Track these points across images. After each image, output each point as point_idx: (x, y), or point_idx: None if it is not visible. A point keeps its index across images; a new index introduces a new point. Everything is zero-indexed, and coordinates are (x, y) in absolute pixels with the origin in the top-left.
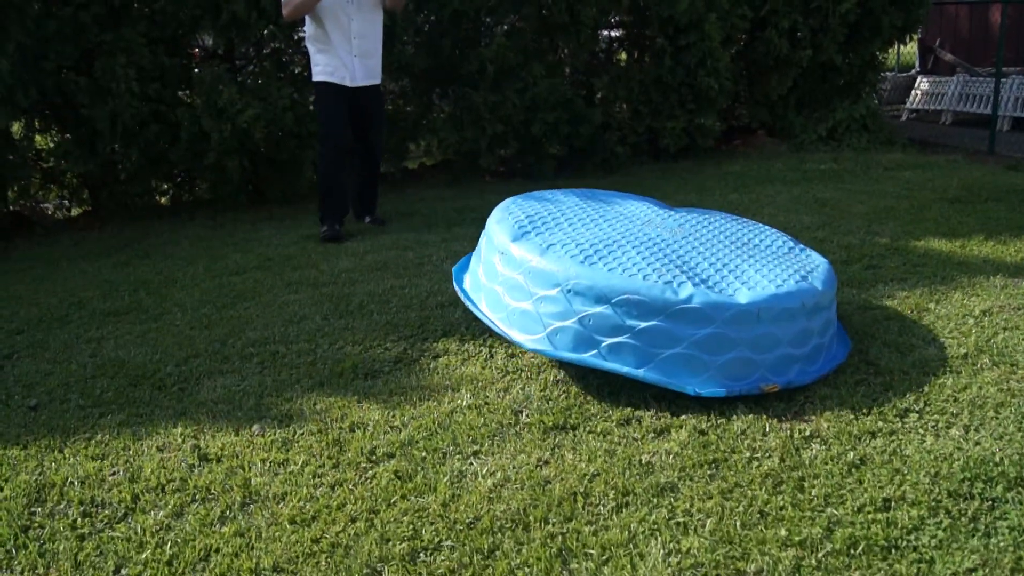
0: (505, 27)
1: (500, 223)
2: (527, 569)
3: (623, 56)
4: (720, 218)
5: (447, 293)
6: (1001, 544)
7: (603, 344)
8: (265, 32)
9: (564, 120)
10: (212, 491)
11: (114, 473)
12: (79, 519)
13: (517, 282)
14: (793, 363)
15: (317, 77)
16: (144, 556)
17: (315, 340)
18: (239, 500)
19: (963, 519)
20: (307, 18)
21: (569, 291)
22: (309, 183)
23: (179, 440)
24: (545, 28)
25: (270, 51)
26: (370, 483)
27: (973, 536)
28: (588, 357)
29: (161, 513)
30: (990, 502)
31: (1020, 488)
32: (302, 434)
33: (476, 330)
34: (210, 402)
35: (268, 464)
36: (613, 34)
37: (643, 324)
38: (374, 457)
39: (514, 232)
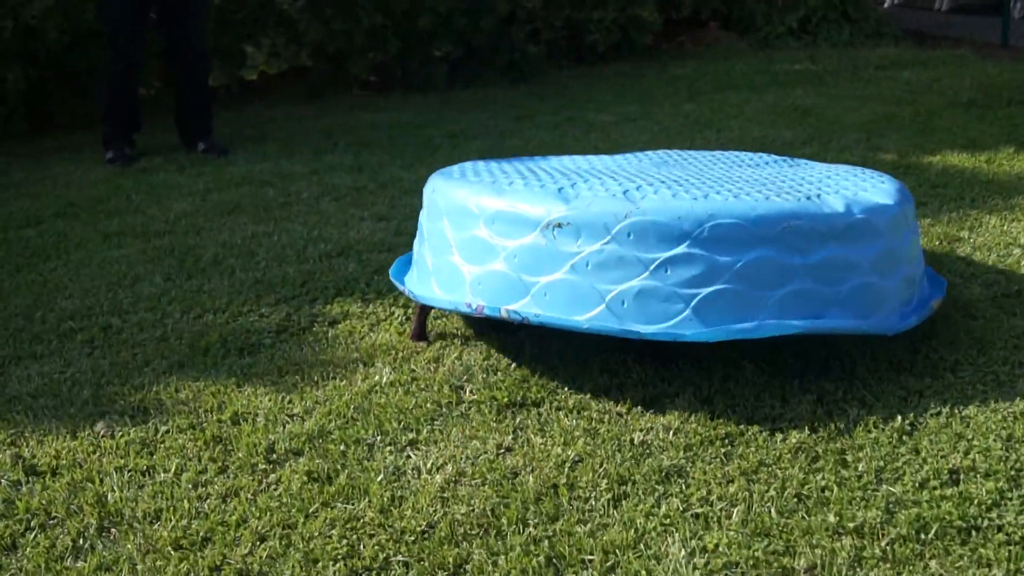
0: None
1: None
2: None
3: None
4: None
5: (333, 240)
6: None
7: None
8: None
9: (459, 10)
10: (53, 515)
11: None
12: None
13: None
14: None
15: None
16: None
17: (160, 308)
18: (95, 524)
19: None
20: None
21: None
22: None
23: None
24: None
25: None
26: (275, 490)
27: None
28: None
29: None
30: None
31: None
32: (167, 432)
33: (382, 285)
34: (26, 396)
35: (127, 474)
36: None
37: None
38: (274, 456)
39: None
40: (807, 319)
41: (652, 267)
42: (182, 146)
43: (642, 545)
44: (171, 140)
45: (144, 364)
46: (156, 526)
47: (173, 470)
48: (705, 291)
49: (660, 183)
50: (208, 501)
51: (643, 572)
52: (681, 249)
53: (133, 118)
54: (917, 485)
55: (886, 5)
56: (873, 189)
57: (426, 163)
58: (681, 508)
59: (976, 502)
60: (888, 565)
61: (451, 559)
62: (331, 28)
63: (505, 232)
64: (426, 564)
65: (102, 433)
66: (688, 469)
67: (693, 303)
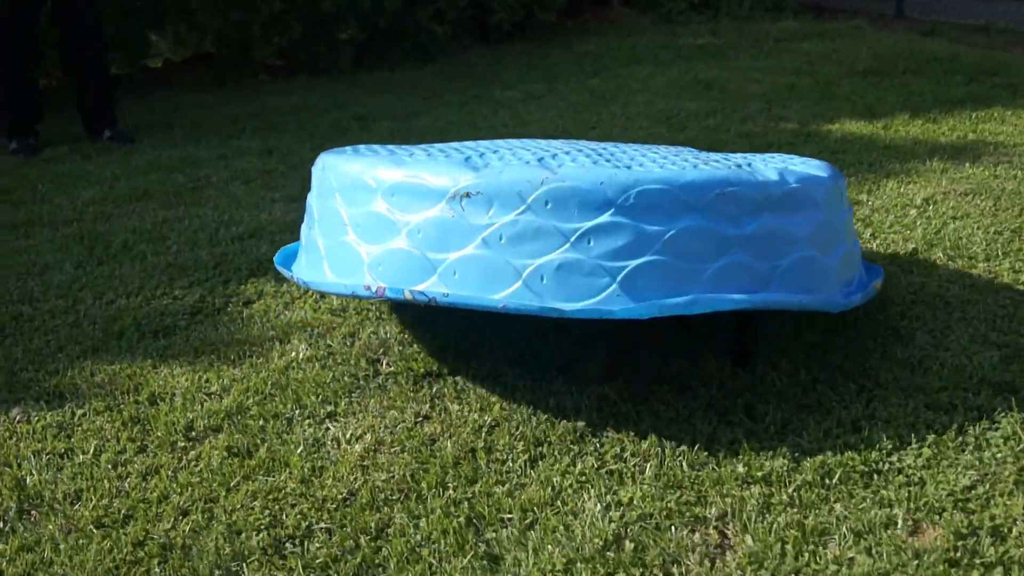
0: None
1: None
2: (432, 546)
3: None
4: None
5: (244, 222)
6: (998, 456)
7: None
8: None
9: None
10: None
11: None
12: None
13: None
14: None
15: None
16: None
17: (72, 295)
18: (14, 507)
19: (948, 433)
20: None
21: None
22: None
23: None
24: None
25: None
26: (196, 466)
27: (964, 451)
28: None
29: None
30: (976, 412)
31: (1007, 394)
32: (84, 415)
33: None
34: None
35: (45, 457)
36: None
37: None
38: (193, 434)
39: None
40: (746, 293)
41: (573, 238)
42: (87, 135)
43: (559, 502)
44: (76, 130)
45: (58, 350)
46: (77, 506)
47: (91, 451)
48: (633, 263)
49: (577, 153)
50: (128, 480)
51: (561, 527)
52: (605, 218)
53: (35, 108)
54: (822, 435)
55: None
56: (804, 164)
57: (335, 145)
58: (596, 465)
59: (877, 447)
60: (795, 510)
61: (373, 524)
62: (231, 16)
63: (406, 206)
64: (348, 530)
65: (18, 419)
66: (602, 429)
67: (620, 277)
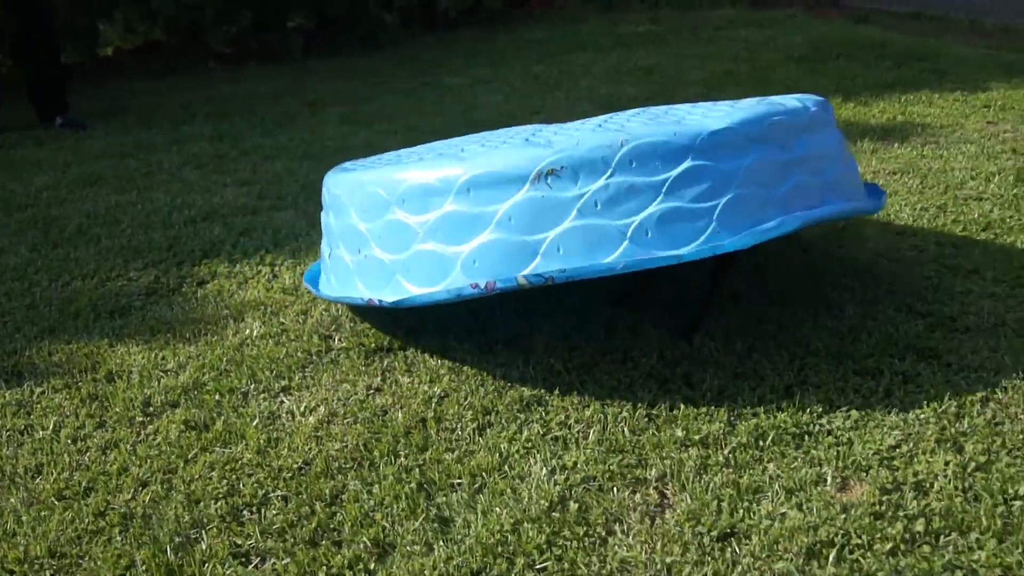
0: None
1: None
2: (384, 510)
3: None
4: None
5: (197, 206)
6: (920, 416)
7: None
8: None
9: None
10: None
11: None
12: None
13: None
14: None
15: None
16: None
17: (27, 277)
18: None
19: (875, 396)
20: None
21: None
22: None
23: None
24: None
25: None
26: (154, 440)
27: (889, 413)
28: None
29: None
30: (901, 376)
31: (931, 359)
32: (43, 392)
33: (248, 246)
34: None
35: (5, 434)
36: None
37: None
38: (151, 409)
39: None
40: (815, 209)
41: (664, 189)
42: (39, 122)
43: (507, 467)
44: (27, 117)
45: (15, 331)
46: (38, 480)
47: (51, 427)
48: (723, 200)
49: (609, 122)
50: (88, 454)
51: (508, 491)
52: (687, 164)
53: None
54: (756, 400)
55: None
56: (793, 97)
57: (286, 130)
58: (541, 432)
59: (808, 411)
60: (730, 470)
61: (327, 491)
62: (181, 4)
63: (486, 198)
64: (304, 497)
65: None
66: (547, 398)
67: (716, 214)
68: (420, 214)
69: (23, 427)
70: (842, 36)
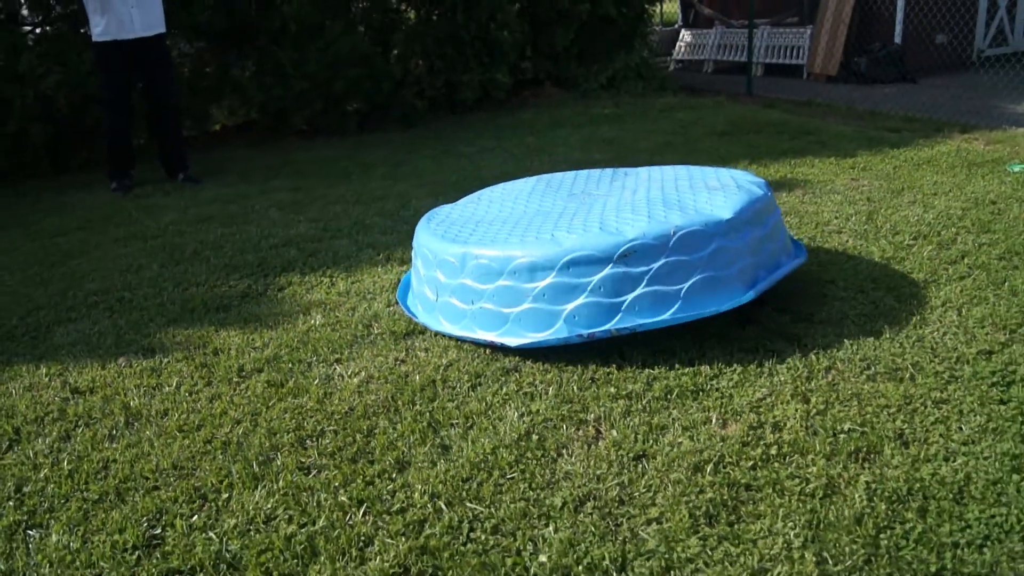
0: None
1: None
2: (403, 440)
3: (412, 14)
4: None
5: (279, 236)
6: (782, 379)
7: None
8: None
9: (365, 76)
10: (93, 416)
11: None
12: None
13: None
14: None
15: (98, 38)
16: (43, 474)
17: (158, 285)
18: (123, 421)
19: (752, 366)
20: None
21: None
22: None
23: (46, 379)
24: None
25: (64, 13)
26: (246, 393)
27: (760, 377)
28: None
29: (47, 440)
30: (771, 352)
31: (796, 343)
32: (168, 361)
33: (314, 264)
34: (67, 345)
35: (142, 389)
36: None
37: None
38: (244, 372)
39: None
40: (782, 267)
41: (703, 262)
42: (167, 178)
43: (490, 412)
44: (159, 175)
45: (149, 321)
46: (164, 420)
47: (174, 385)
48: (735, 268)
49: (641, 212)
50: (200, 402)
51: (490, 427)
52: (715, 244)
53: (130, 158)
54: (667, 368)
55: (670, 69)
56: (746, 176)
57: (344, 184)
58: (516, 389)
59: (703, 375)
60: (646, 414)
61: (365, 427)
62: (271, 93)
63: (582, 272)
64: (348, 431)
65: (123, 364)
66: (521, 367)
67: (732, 278)
68: (530, 282)
69: (155, 384)
70: (753, 117)
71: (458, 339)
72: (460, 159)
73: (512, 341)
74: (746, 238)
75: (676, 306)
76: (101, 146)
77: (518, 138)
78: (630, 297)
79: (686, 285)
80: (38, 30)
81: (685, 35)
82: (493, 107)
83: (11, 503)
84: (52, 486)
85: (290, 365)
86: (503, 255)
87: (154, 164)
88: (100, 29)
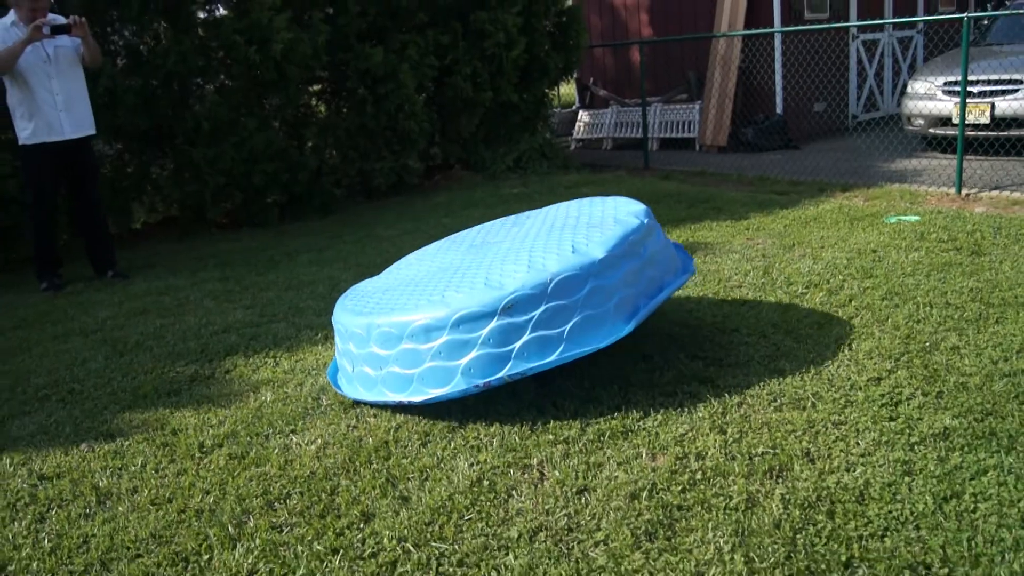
0: (215, 86)
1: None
2: (366, 495)
3: (322, 108)
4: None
5: (217, 323)
6: (700, 416)
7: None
8: None
9: (282, 169)
10: (64, 498)
11: None
12: None
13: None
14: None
15: (25, 141)
16: (25, 553)
17: (106, 375)
18: (94, 500)
19: (672, 407)
20: (8, 81)
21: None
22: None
23: (11, 468)
24: (254, 85)
25: None
26: (210, 466)
27: (681, 415)
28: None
29: (23, 523)
30: (689, 395)
31: (710, 384)
32: (129, 444)
33: (256, 347)
34: (26, 436)
35: (108, 470)
36: (313, 88)
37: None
38: (204, 448)
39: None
40: (664, 290)
41: (578, 304)
42: (96, 275)
43: (442, 464)
44: (87, 273)
45: (103, 408)
46: (136, 496)
47: (139, 464)
48: (612, 302)
49: (523, 261)
50: (166, 478)
51: (444, 478)
52: (590, 285)
53: (56, 257)
54: (598, 414)
55: (572, 148)
56: (627, 204)
57: (272, 271)
58: (463, 443)
59: (631, 418)
60: (584, 455)
61: (328, 487)
62: (188, 189)
63: (471, 327)
64: (313, 491)
65: (86, 450)
66: (465, 423)
67: (611, 312)
68: (425, 343)
69: (120, 465)
70: (652, 188)
71: (371, 404)
72: (382, 242)
73: (417, 399)
74: (620, 272)
75: (560, 347)
76: (23, 247)
77: (435, 219)
78: (518, 345)
79: (567, 327)
80: None
81: (583, 115)
82: (408, 191)
83: None
84: (36, 563)
85: (248, 438)
86: (401, 321)
87: (80, 263)
88: (28, 132)
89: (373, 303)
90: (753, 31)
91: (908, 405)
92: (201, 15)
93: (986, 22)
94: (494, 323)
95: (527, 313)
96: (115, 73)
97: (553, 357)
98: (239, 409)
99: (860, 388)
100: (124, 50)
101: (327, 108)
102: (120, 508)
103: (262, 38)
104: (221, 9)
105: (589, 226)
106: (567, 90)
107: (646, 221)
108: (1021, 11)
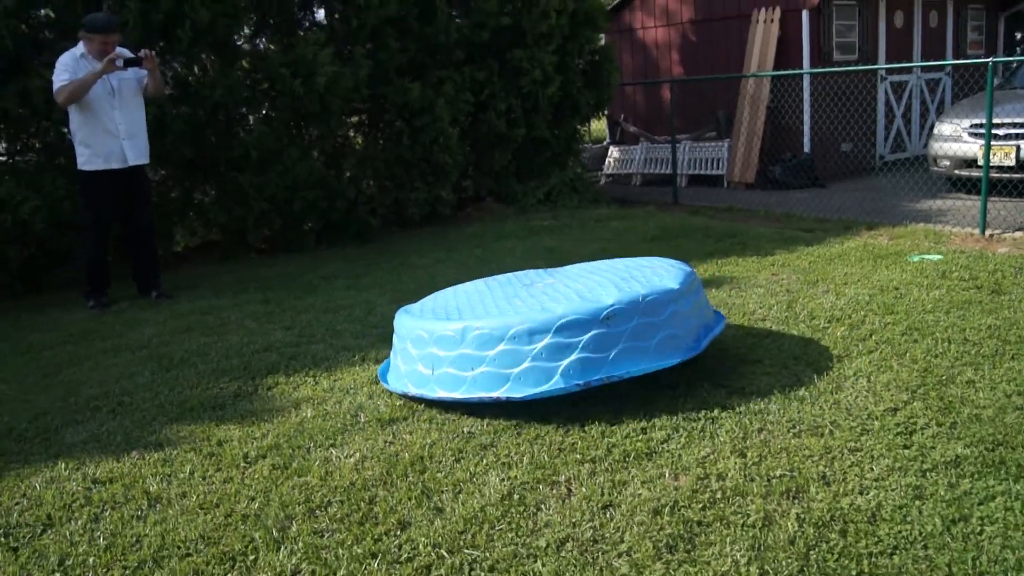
0: (260, 116)
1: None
2: (402, 505)
3: (359, 140)
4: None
5: (258, 343)
6: (722, 440)
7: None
8: (36, 128)
9: (321, 197)
10: (117, 501)
11: (17, 504)
12: (2, 538)
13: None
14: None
15: (85, 167)
16: (81, 549)
17: (154, 389)
18: (146, 504)
19: (695, 431)
20: (73, 109)
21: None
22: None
23: (66, 473)
24: (296, 116)
25: (42, 145)
26: (254, 475)
27: (703, 439)
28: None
29: (79, 522)
30: (711, 420)
31: (729, 410)
32: (177, 453)
33: (296, 366)
34: (79, 443)
35: (158, 477)
36: (351, 119)
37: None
38: (249, 459)
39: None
40: (704, 338)
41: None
42: (140, 295)
43: (474, 479)
44: (132, 292)
45: (151, 420)
46: (184, 500)
47: (187, 472)
48: (657, 338)
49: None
50: (213, 484)
51: (476, 491)
52: (639, 319)
53: (105, 278)
54: (623, 436)
55: (602, 183)
56: (672, 266)
57: (311, 295)
58: (494, 460)
59: (655, 440)
60: (609, 473)
61: (366, 497)
62: (233, 214)
63: (526, 341)
64: (352, 500)
65: (136, 457)
66: (497, 443)
67: (653, 347)
68: (483, 350)
69: (169, 472)
70: (681, 223)
71: (460, 401)
72: (416, 270)
73: (517, 395)
74: (690, 303)
75: (649, 358)
76: (75, 267)
77: (467, 250)
78: (565, 362)
79: (654, 341)
80: (11, 160)
81: (614, 151)
82: (440, 222)
83: (56, 574)
84: (92, 558)
85: (290, 451)
86: (463, 327)
87: (124, 283)
88: (86, 158)
89: (457, 313)
90: (782, 72)
91: (922, 434)
92: (247, 47)
93: (1014, 65)
94: (547, 339)
95: (578, 336)
96: (163, 102)
97: (644, 365)
98: (281, 423)
99: (876, 418)
100: (172, 80)
101: (364, 139)
102: (170, 511)
103: (307, 72)
104: (263, 42)
105: (650, 269)
106: (598, 126)
107: (689, 280)
108: None
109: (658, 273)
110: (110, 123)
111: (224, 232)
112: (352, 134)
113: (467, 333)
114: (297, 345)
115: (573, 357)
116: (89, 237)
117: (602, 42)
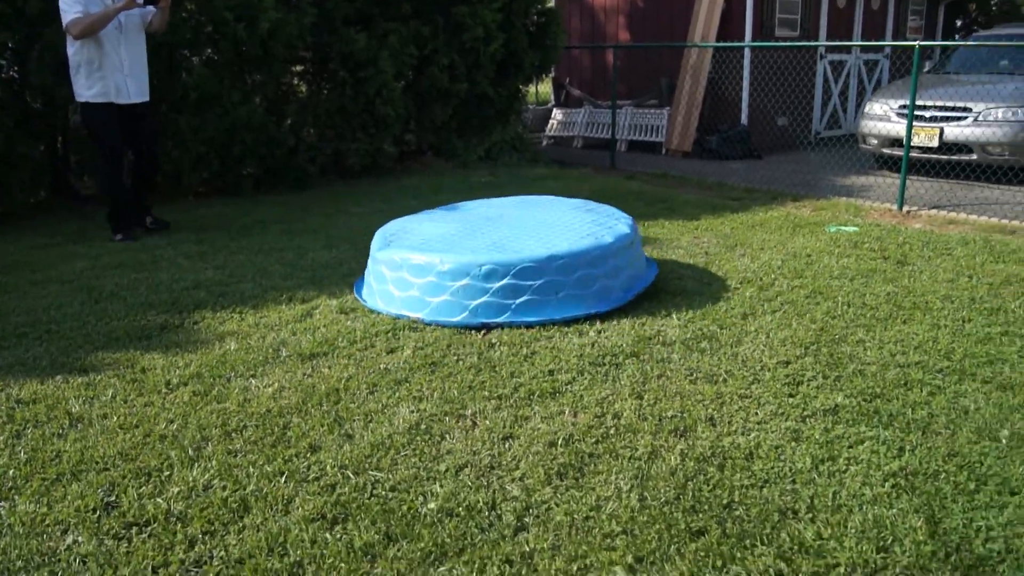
0: (203, 58)
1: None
2: (314, 431)
3: (302, 88)
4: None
5: (188, 280)
6: (623, 384)
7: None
8: None
9: (261, 142)
10: (39, 419)
11: None
12: None
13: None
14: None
15: (92, 99)
16: (1, 462)
17: (82, 318)
18: (67, 423)
19: (599, 375)
20: (79, 42)
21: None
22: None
23: None
24: (239, 61)
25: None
26: (175, 400)
27: (605, 382)
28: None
29: (1, 438)
30: (615, 366)
31: (632, 358)
32: (101, 378)
33: (224, 303)
34: (4, 367)
35: (81, 399)
36: (295, 67)
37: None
38: (171, 385)
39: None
40: (639, 284)
41: (603, 274)
42: (135, 226)
43: (386, 410)
44: (70, 227)
45: (78, 347)
46: (105, 421)
47: (110, 396)
48: (595, 287)
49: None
50: (134, 408)
51: (386, 421)
52: (608, 264)
53: (131, 213)
54: (531, 377)
55: (544, 144)
56: (617, 214)
57: (245, 238)
58: (407, 394)
59: (560, 382)
60: (513, 409)
61: (281, 423)
62: (169, 156)
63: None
64: (267, 426)
65: (61, 381)
66: (411, 379)
67: (592, 295)
68: (456, 281)
69: (92, 395)
70: (615, 187)
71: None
72: (351, 218)
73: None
74: (611, 264)
75: (591, 302)
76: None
77: (404, 201)
78: (478, 301)
79: (594, 288)
80: None
81: (557, 114)
82: (380, 174)
83: None
84: (12, 471)
85: (211, 379)
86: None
87: (61, 215)
88: (95, 91)
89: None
90: (724, 44)
91: (808, 385)
92: None
93: (949, 51)
94: (467, 280)
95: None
96: None
97: (580, 310)
98: (205, 355)
99: (768, 369)
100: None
101: (308, 88)
102: (90, 430)
103: (251, 16)
104: None
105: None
106: (545, 88)
107: (631, 232)
108: (974, 43)
109: (607, 225)
110: (116, 57)
111: (161, 173)
112: (296, 82)
113: (436, 268)
114: (227, 284)
115: (523, 298)
116: (105, 170)
117: (551, 3)
